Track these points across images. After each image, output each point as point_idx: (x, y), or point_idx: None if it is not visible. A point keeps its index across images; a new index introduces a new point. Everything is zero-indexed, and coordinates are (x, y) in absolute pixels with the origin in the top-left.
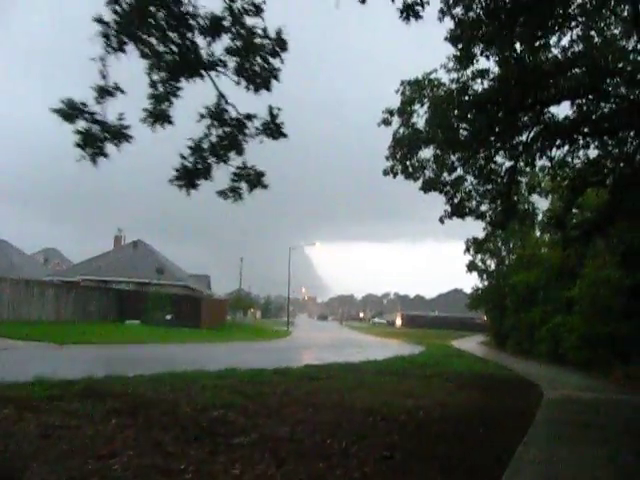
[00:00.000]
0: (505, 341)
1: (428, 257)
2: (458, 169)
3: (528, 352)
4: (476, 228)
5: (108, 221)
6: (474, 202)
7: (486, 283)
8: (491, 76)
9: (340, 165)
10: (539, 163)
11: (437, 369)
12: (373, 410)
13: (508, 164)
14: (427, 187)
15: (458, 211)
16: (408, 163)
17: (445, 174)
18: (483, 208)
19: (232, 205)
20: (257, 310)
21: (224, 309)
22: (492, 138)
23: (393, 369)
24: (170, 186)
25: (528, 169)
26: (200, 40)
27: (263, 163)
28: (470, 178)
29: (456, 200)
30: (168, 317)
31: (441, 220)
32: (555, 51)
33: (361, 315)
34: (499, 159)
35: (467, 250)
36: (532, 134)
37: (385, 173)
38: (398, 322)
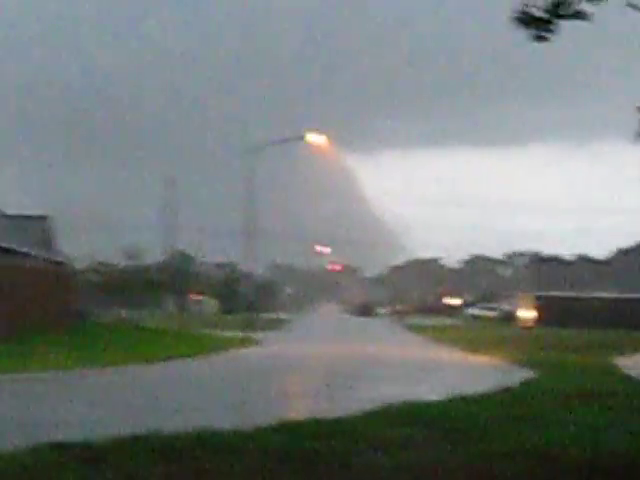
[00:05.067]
0: None
1: (598, 175)
2: None
3: None
4: None
5: None
6: None
7: None
8: None
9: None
10: None
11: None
12: None
13: None
14: None
15: None
16: None
17: None
18: None
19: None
20: (205, 297)
21: (58, 291)
22: None
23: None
24: None
25: None
26: None
27: None
28: None
29: None
30: None
31: None
32: None
33: (453, 302)
34: None
35: None
36: None
37: None
38: (527, 314)
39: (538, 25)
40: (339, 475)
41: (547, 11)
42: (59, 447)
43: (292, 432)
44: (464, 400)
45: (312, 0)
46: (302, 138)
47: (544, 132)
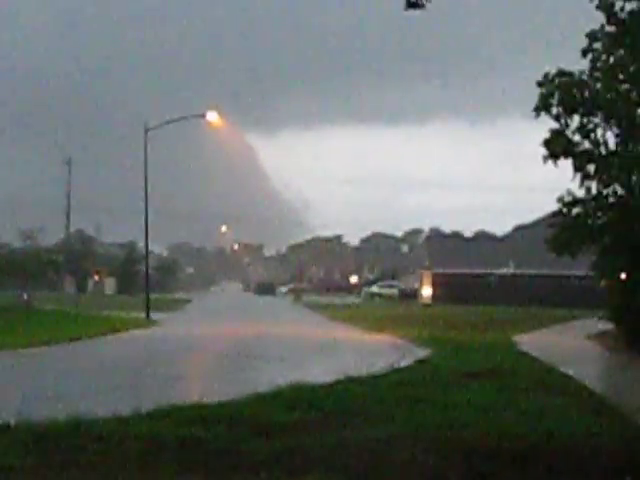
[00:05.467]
0: None
1: (500, 153)
2: None
3: None
4: None
5: None
6: None
7: (594, 186)
8: None
9: None
10: None
11: None
12: None
13: None
14: None
15: None
16: None
17: None
18: None
19: None
20: (105, 277)
21: None
22: None
23: None
24: None
25: None
26: None
27: None
28: None
29: None
30: None
31: None
32: None
33: (353, 280)
34: None
35: (541, 107)
36: None
37: None
38: (426, 292)
39: None
40: (222, 462)
41: None
42: None
43: (175, 417)
44: (357, 381)
45: None
46: (201, 116)
47: (445, 110)
